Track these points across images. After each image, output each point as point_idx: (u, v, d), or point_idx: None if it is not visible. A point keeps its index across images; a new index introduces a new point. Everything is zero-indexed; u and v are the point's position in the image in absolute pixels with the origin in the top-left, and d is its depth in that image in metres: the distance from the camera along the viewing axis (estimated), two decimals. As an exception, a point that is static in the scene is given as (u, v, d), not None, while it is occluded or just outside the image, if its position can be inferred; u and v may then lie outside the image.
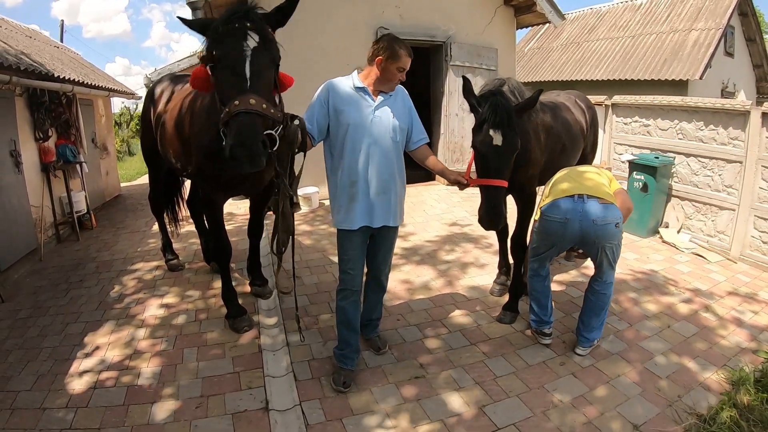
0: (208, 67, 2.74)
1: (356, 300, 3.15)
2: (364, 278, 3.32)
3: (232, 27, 2.60)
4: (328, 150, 3.04)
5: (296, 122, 2.77)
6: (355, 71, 3.02)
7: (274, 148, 2.62)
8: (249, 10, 2.63)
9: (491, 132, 3.18)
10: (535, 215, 3.61)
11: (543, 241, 3.44)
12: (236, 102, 2.46)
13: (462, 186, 3.18)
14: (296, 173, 2.98)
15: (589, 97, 7.37)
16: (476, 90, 3.48)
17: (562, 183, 3.41)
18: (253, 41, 2.59)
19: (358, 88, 2.94)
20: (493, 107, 3.21)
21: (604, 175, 3.52)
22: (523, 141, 3.61)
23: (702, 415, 2.88)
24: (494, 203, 3.21)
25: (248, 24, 2.59)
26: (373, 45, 2.94)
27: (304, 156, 3.01)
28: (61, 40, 16.45)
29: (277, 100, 2.88)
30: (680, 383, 3.21)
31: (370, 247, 3.19)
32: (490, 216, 3.22)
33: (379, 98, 2.96)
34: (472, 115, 3.41)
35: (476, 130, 3.31)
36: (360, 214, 2.96)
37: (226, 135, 2.53)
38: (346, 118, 2.89)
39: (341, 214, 2.99)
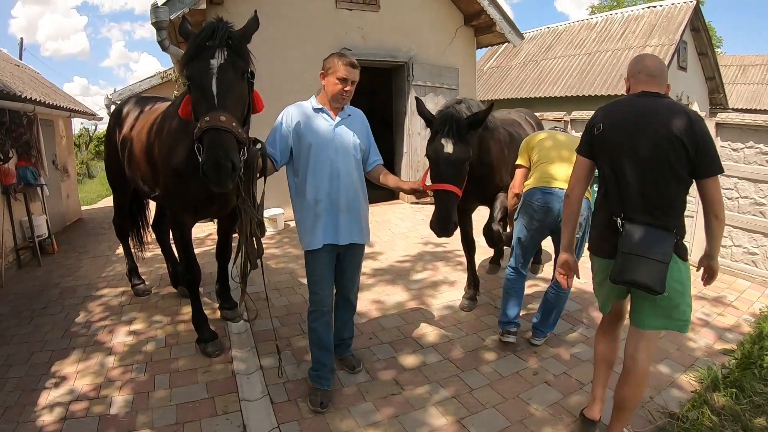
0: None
1: (327, 320, 3.15)
2: (334, 298, 3.32)
3: (201, 45, 2.62)
4: (292, 172, 3.07)
5: (258, 146, 2.79)
6: (313, 95, 3.09)
7: (241, 172, 2.64)
8: (217, 28, 2.64)
9: (442, 141, 3.34)
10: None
11: (526, 224, 3.63)
12: (207, 118, 2.48)
13: (419, 194, 3.21)
14: (259, 198, 2.96)
15: (548, 113, 7.57)
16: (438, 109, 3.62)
17: (548, 168, 3.59)
18: (221, 58, 2.60)
19: (317, 109, 3.01)
20: (444, 119, 3.40)
21: None
22: (488, 156, 3.85)
23: (675, 414, 2.97)
24: (446, 209, 3.30)
25: (217, 42, 2.61)
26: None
27: (265, 181, 3.02)
28: (20, 58, 16.10)
29: (249, 123, 2.90)
30: (651, 385, 3.26)
31: (338, 266, 3.20)
32: (441, 222, 3.30)
33: (338, 117, 3.02)
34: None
35: (430, 141, 3.49)
36: (324, 232, 2.98)
37: (200, 152, 2.54)
38: (308, 139, 2.93)
39: (308, 235, 3.00)
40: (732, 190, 5.44)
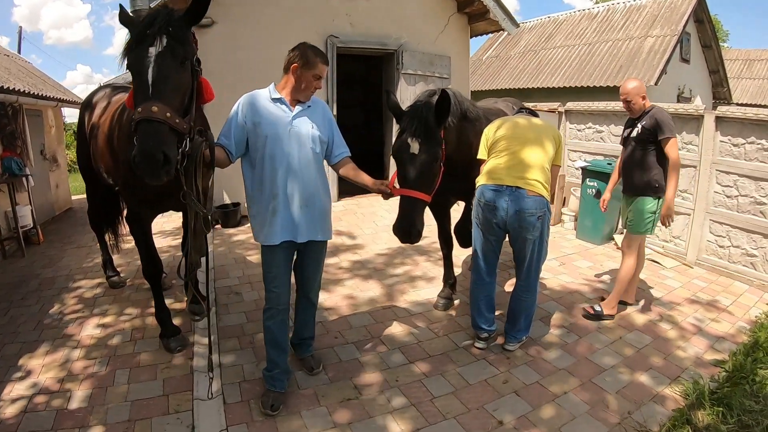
0: None
1: (283, 319, 3.03)
2: (295, 295, 3.20)
3: (140, 33, 2.50)
4: (248, 164, 2.93)
5: (203, 137, 2.68)
6: (272, 83, 2.96)
7: (184, 164, 2.56)
8: (157, 15, 2.53)
9: (408, 140, 3.13)
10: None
11: (479, 223, 3.49)
12: (139, 109, 2.37)
13: (386, 195, 3.04)
14: (207, 190, 2.88)
15: (543, 104, 7.37)
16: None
17: (499, 164, 3.39)
18: (159, 47, 2.49)
19: (274, 99, 2.88)
20: (411, 116, 3.19)
21: (549, 144, 3.47)
22: (467, 149, 3.61)
23: (652, 433, 2.78)
24: (409, 216, 3.11)
25: (156, 29, 2.49)
26: (289, 53, 2.88)
27: (213, 173, 2.89)
28: (19, 48, 16.11)
29: (193, 112, 2.75)
30: (631, 398, 3.11)
31: (297, 263, 3.09)
32: (403, 228, 3.12)
33: (297, 108, 2.89)
34: None
35: (396, 138, 3.26)
36: (282, 229, 2.85)
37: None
38: (263, 130, 2.81)
39: (265, 229, 2.88)
40: (731, 187, 5.23)
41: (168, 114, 2.38)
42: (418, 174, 3.12)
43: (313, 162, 2.90)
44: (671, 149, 3.84)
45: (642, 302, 4.48)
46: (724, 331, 4.03)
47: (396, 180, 3.22)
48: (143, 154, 2.32)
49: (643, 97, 3.97)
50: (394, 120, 3.42)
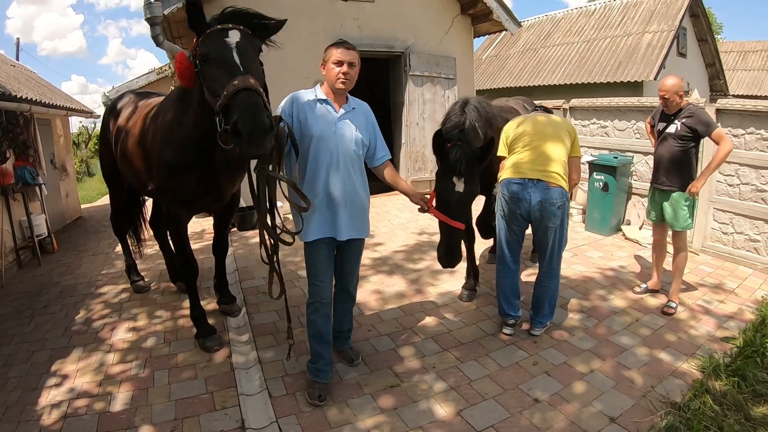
0: (193, 62, 2.74)
1: (326, 312, 3.12)
2: (333, 290, 3.29)
3: (222, 27, 2.63)
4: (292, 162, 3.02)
5: (281, 124, 2.76)
6: (318, 85, 3.02)
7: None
8: (235, 11, 2.67)
9: (455, 179, 3.36)
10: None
11: (503, 215, 3.68)
12: (235, 82, 2.42)
13: (422, 210, 3.29)
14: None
15: (547, 101, 7.52)
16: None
17: (521, 158, 3.58)
18: (240, 36, 2.62)
19: (321, 100, 2.94)
20: (459, 158, 3.37)
21: (566, 138, 3.64)
22: (491, 149, 3.75)
23: (676, 403, 2.95)
24: (454, 244, 3.43)
25: (236, 21, 2.65)
26: None
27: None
28: (17, 59, 16.10)
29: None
30: (653, 374, 3.28)
31: (337, 258, 3.17)
32: (449, 256, 3.43)
33: (342, 110, 2.96)
34: (438, 125, 3.59)
35: (440, 176, 3.47)
36: (323, 225, 2.94)
37: (222, 122, 2.48)
38: (309, 130, 2.87)
39: (305, 226, 2.96)
40: (733, 176, 5.41)
41: (261, 89, 2.47)
42: (462, 208, 3.44)
43: (355, 163, 2.98)
44: (723, 138, 3.91)
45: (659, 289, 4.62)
46: (732, 311, 4.22)
47: (435, 200, 3.43)
48: (249, 119, 2.32)
49: (681, 96, 4.03)
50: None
